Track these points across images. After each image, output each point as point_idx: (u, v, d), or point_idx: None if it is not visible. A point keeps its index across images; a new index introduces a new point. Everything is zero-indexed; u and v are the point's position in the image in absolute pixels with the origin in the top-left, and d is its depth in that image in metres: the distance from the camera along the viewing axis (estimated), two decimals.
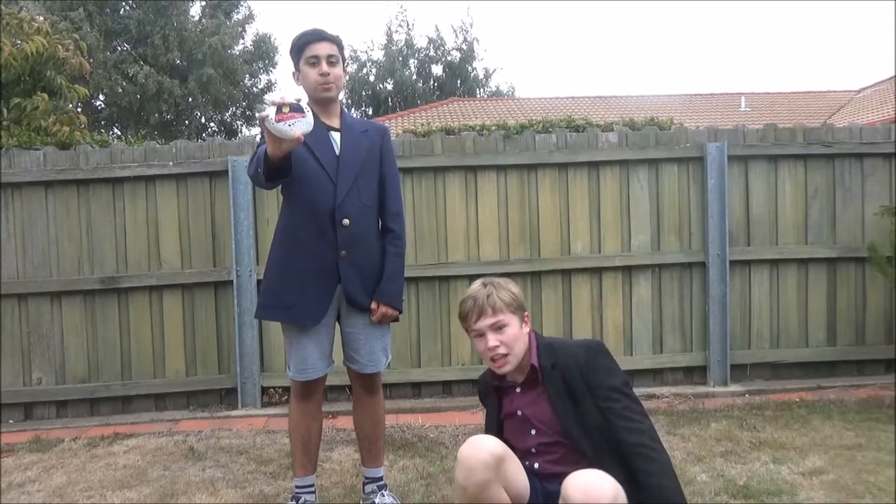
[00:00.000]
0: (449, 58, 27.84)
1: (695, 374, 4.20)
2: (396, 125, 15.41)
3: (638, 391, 4.04)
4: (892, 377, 4.07)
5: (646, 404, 3.81)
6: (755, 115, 17.62)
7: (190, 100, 21.10)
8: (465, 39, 27.87)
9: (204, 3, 22.04)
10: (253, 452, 3.30)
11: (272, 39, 23.63)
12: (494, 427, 2.14)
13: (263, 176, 2.20)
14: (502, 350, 1.99)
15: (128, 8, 20.27)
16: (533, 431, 2.04)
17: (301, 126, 2.04)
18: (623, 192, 4.16)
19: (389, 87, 27.18)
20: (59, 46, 5.27)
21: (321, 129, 2.40)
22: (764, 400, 3.83)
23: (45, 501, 2.81)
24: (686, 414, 3.64)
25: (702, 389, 4.06)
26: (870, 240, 4.05)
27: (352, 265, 2.40)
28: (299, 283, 2.39)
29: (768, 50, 58.56)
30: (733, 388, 4.07)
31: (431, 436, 3.45)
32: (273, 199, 3.96)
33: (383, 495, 2.56)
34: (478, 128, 4.37)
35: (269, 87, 24.10)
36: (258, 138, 2.51)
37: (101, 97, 20.06)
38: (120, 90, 19.33)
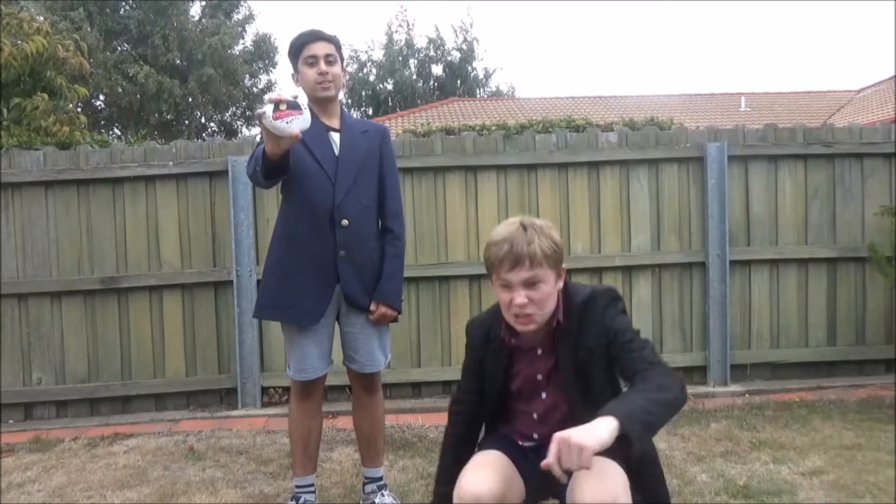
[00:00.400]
0: (449, 58, 27.84)
1: (695, 374, 4.20)
2: (396, 125, 15.41)
3: None
4: (892, 377, 4.07)
5: None
6: (755, 115, 17.62)
7: (190, 100, 21.11)
8: (465, 39, 27.87)
9: (204, 3, 22.06)
10: (253, 452, 3.30)
11: (272, 39, 23.66)
12: (496, 388, 1.84)
13: (262, 174, 2.20)
14: (530, 310, 1.67)
15: (128, 8, 20.28)
16: (543, 395, 1.83)
17: (298, 123, 2.05)
18: (623, 192, 4.16)
19: (389, 87, 27.18)
20: (59, 46, 5.28)
21: (321, 130, 2.40)
22: (764, 400, 3.83)
23: (45, 501, 2.81)
24: (686, 414, 3.63)
25: (702, 389, 4.06)
26: (870, 240, 4.05)
27: (351, 265, 2.40)
28: (298, 282, 2.39)
29: (768, 50, 58.63)
30: (733, 388, 4.07)
31: (431, 436, 3.45)
32: (273, 199, 3.96)
33: (383, 495, 2.56)
34: (478, 128, 4.37)
35: (269, 87, 24.12)
36: (258, 138, 2.51)
37: (101, 97, 20.07)
38: (120, 90, 19.34)
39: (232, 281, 3.99)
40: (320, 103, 2.43)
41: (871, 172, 4.22)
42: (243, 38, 23.17)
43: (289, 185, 2.38)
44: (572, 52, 56.41)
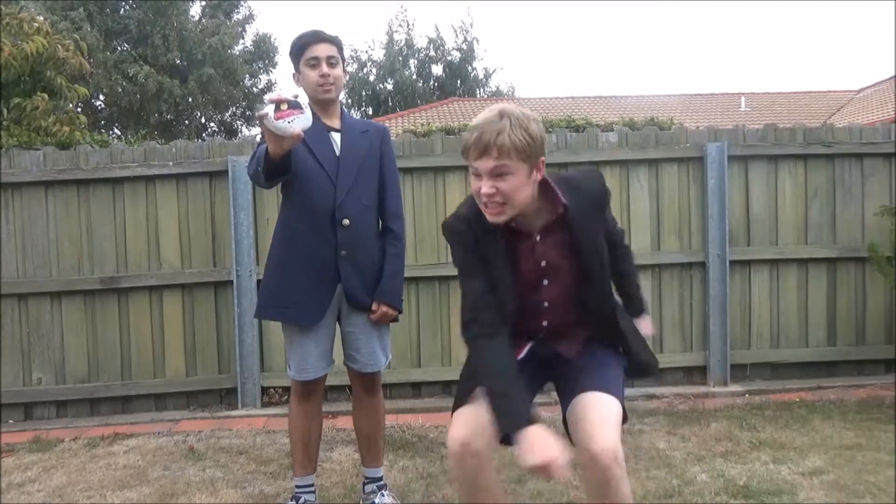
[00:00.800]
0: (449, 58, 27.85)
1: (695, 374, 4.20)
2: (396, 125, 15.41)
3: (638, 391, 4.09)
4: (892, 377, 4.07)
5: (646, 404, 3.86)
6: (755, 115, 17.63)
7: (190, 100, 21.12)
8: (465, 39, 27.89)
9: (204, 3, 22.07)
10: (253, 452, 3.30)
11: (272, 39, 23.67)
12: (508, 278, 1.78)
13: (263, 175, 2.20)
14: (498, 198, 1.67)
15: (128, 8, 20.28)
16: (546, 282, 1.82)
17: (300, 122, 2.05)
18: (623, 192, 4.16)
19: (389, 87, 27.19)
20: (59, 46, 5.28)
21: (321, 130, 2.40)
22: (764, 400, 3.82)
23: (45, 501, 2.81)
24: (686, 414, 3.64)
25: (702, 389, 4.06)
26: (870, 240, 4.05)
27: (351, 265, 2.40)
28: (299, 282, 2.39)
29: (768, 50, 58.62)
30: (733, 388, 4.07)
31: (431, 436, 3.45)
32: (273, 199, 3.96)
33: (383, 495, 2.56)
34: None
35: (269, 87, 24.13)
36: (258, 138, 2.51)
37: (101, 97, 20.07)
38: (120, 90, 19.34)
39: (232, 281, 3.99)
40: (321, 104, 2.43)
41: (871, 172, 4.22)
42: (243, 38, 23.19)
43: (289, 185, 2.38)
44: (572, 52, 56.43)
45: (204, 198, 4.06)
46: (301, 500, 2.51)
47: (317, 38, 2.40)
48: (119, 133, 20.08)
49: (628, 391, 4.03)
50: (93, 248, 4.02)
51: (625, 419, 1.78)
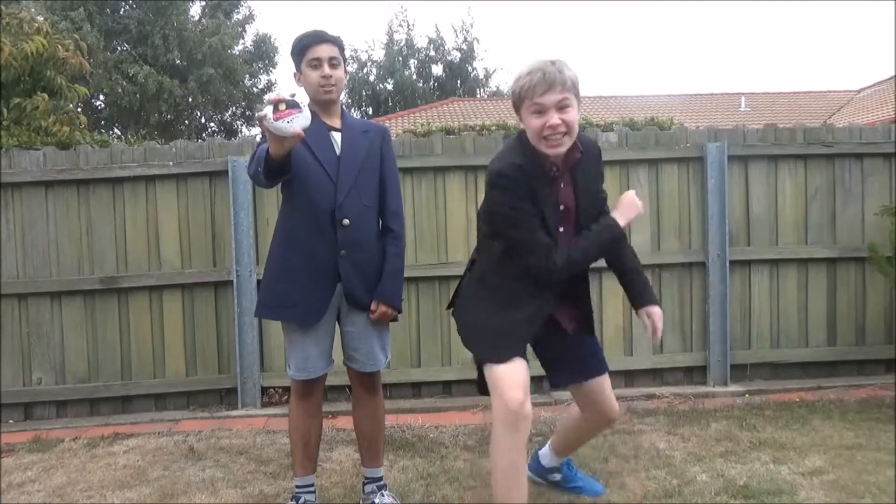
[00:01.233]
0: (449, 58, 27.86)
1: (695, 374, 4.20)
2: (396, 125, 15.43)
3: (638, 391, 4.09)
4: (892, 377, 4.07)
5: (646, 404, 3.86)
6: (755, 115, 17.64)
7: (190, 100, 21.13)
8: (466, 39, 27.92)
9: (204, 3, 22.08)
10: (253, 452, 3.30)
11: (272, 40, 23.71)
12: (554, 218, 2.06)
13: (263, 175, 2.20)
14: (562, 129, 1.92)
15: (128, 8, 20.30)
16: (561, 229, 2.09)
17: (299, 121, 2.05)
18: (623, 191, 4.14)
19: (389, 87, 27.20)
20: (59, 46, 5.27)
21: (322, 130, 2.40)
22: (764, 400, 3.82)
23: (45, 501, 2.81)
24: (686, 414, 3.64)
25: (702, 389, 4.06)
26: (870, 240, 4.05)
27: (352, 265, 2.40)
28: (299, 282, 2.39)
29: (768, 50, 58.61)
30: (733, 388, 4.07)
31: (431, 436, 3.45)
32: (273, 199, 3.96)
33: (383, 495, 2.56)
34: (478, 128, 4.38)
35: (269, 87, 24.16)
36: (258, 138, 2.51)
37: (101, 97, 20.09)
38: (120, 90, 19.35)
39: (232, 281, 3.99)
40: (322, 105, 2.43)
41: (871, 172, 4.22)
42: (243, 38, 23.21)
43: (290, 184, 2.38)
44: (572, 52, 56.43)
45: (204, 198, 4.06)
46: (301, 500, 2.51)
47: (319, 38, 2.40)
48: (119, 133, 20.10)
49: (628, 391, 4.06)
50: (93, 248, 4.02)
51: None
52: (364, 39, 52.85)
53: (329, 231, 2.38)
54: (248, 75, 23.05)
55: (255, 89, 23.71)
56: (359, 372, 2.51)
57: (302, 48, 2.41)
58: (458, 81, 27.64)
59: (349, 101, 26.67)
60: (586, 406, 2.35)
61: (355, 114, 23.17)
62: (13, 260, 3.98)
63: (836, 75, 56.54)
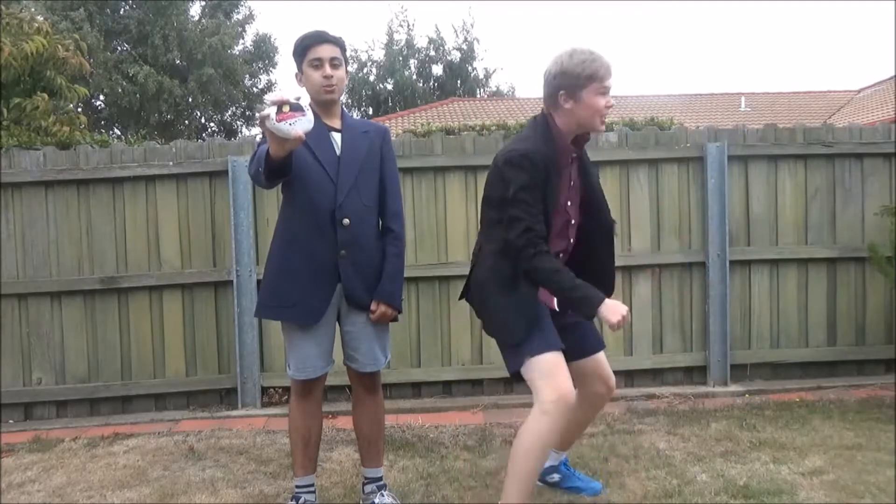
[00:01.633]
0: (449, 58, 27.86)
1: (695, 374, 4.20)
2: (396, 125, 15.43)
3: (638, 391, 4.10)
4: (892, 377, 4.07)
5: (646, 404, 3.86)
6: (755, 115, 17.63)
7: (190, 100, 21.12)
8: (466, 39, 27.91)
9: (204, 3, 22.07)
10: (253, 452, 3.30)
11: (272, 40, 23.70)
12: (556, 203, 2.19)
13: (264, 175, 2.20)
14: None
15: (128, 8, 20.29)
16: (569, 203, 2.28)
17: (302, 124, 2.04)
18: (623, 192, 4.16)
19: (389, 87, 27.20)
20: (60, 46, 5.27)
21: (322, 130, 2.40)
22: (764, 400, 3.82)
23: (45, 501, 2.81)
24: (686, 414, 3.64)
25: (702, 389, 4.06)
26: (870, 240, 4.05)
27: (352, 265, 2.41)
28: (299, 282, 2.39)
29: (768, 50, 58.57)
30: (733, 388, 4.07)
31: (431, 436, 3.45)
32: (273, 199, 3.96)
33: (383, 495, 2.56)
34: (478, 128, 4.38)
35: (269, 87, 24.15)
36: (258, 138, 2.51)
37: (101, 97, 20.08)
38: (120, 90, 19.35)
39: (232, 281, 3.99)
40: (323, 105, 2.44)
41: (871, 172, 4.22)
42: (243, 39, 23.20)
43: (290, 185, 2.38)
44: None
45: (204, 198, 4.06)
46: (301, 500, 2.51)
47: (320, 39, 2.41)
48: (119, 133, 20.09)
49: (628, 391, 4.06)
50: (93, 248, 4.02)
51: None
52: (364, 39, 52.86)
53: (329, 231, 2.38)
54: (248, 75, 23.05)
55: (255, 89, 23.70)
56: (359, 372, 2.51)
57: (303, 48, 2.41)
58: (459, 81, 27.63)
59: (349, 101, 26.68)
60: (586, 382, 2.40)
61: (355, 114, 23.21)
62: (13, 260, 3.98)
63: (836, 75, 56.55)
